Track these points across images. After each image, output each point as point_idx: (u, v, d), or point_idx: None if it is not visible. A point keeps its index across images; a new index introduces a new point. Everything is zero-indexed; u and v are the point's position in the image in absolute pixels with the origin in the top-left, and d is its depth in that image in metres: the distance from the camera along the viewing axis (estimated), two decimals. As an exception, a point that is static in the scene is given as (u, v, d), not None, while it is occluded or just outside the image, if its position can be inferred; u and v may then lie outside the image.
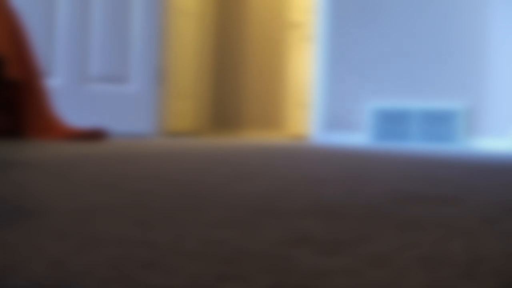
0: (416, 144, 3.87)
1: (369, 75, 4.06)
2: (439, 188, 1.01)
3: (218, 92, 5.67)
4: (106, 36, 3.99)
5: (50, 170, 1.13)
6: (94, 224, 0.57)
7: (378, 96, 4.04)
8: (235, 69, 5.61)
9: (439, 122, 3.84)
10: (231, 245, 0.49)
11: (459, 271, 0.43)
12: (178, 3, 5.44)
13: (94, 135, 2.97)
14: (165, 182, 0.97)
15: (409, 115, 3.92)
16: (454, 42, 3.84)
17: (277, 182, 1.03)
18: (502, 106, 3.67)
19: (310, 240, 0.52)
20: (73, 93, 3.88)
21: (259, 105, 5.74)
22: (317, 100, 4.23)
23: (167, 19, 4.41)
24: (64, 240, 0.49)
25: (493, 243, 0.54)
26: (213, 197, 0.80)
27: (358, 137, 4.09)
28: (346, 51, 4.14)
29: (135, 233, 0.53)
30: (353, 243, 0.52)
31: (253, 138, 4.95)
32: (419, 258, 0.46)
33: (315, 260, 0.45)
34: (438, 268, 0.43)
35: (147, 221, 0.59)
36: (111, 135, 3.80)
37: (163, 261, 0.43)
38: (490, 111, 3.72)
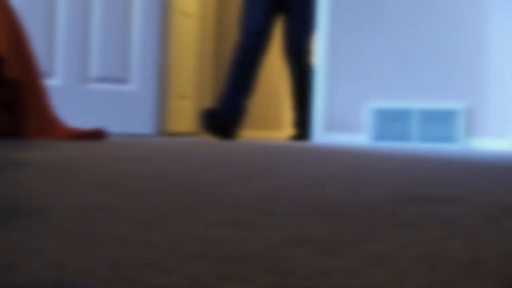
0: (416, 144, 3.87)
1: (369, 75, 4.06)
2: (439, 188, 1.01)
3: (218, 93, 5.67)
4: (106, 36, 3.99)
5: (50, 170, 1.13)
6: (94, 224, 0.57)
7: (378, 96, 4.05)
8: (235, 69, 5.60)
9: (439, 122, 3.84)
10: (231, 245, 0.49)
11: (459, 271, 0.43)
12: (179, 3, 5.43)
13: (94, 136, 2.97)
14: (165, 182, 0.97)
15: (409, 115, 3.92)
16: (454, 42, 3.84)
17: (277, 182, 1.03)
18: (502, 106, 3.67)
19: (310, 240, 0.52)
20: (73, 94, 3.89)
21: (259, 105, 5.74)
22: (317, 100, 4.24)
23: (167, 19, 4.41)
24: (64, 239, 0.49)
25: (493, 243, 0.54)
26: (213, 197, 0.80)
27: (358, 137, 4.09)
28: (346, 51, 4.14)
29: (135, 233, 0.53)
30: (353, 243, 0.52)
31: (253, 138, 4.95)
32: (419, 258, 0.46)
33: (315, 260, 0.45)
34: (438, 268, 0.43)
35: (147, 221, 0.60)
36: (111, 136, 3.80)
37: (163, 261, 0.43)
38: (490, 111, 3.72)
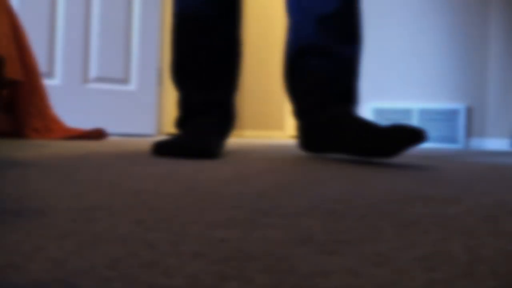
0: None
1: (369, 75, 4.06)
2: (439, 188, 1.01)
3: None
4: (106, 36, 3.99)
5: (50, 170, 1.13)
6: (94, 224, 0.57)
7: (378, 96, 4.04)
8: (235, 69, 5.59)
9: (439, 122, 3.84)
10: (231, 245, 0.49)
11: (459, 271, 0.43)
12: (178, 3, 5.39)
13: (94, 136, 2.97)
14: (165, 182, 0.97)
15: (409, 115, 3.92)
16: (454, 41, 3.84)
17: (277, 182, 1.03)
18: (502, 107, 3.67)
19: (310, 240, 0.52)
20: (73, 94, 3.88)
21: (259, 105, 5.73)
22: (317, 100, 4.23)
23: (167, 20, 4.41)
24: (64, 239, 0.49)
25: (493, 243, 0.54)
26: (213, 197, 0.80)
27: (358, 137, 4.08)
28: (346, 51, 4.14)
29: (135, 233, 0.53)
30: (353, 243, 0.52)
31: (253, 138, 4.95)
32: (419, 258, 0.46)
33: (315, 260, 0.45)
34: (438, 268, 0.43)
35: (147, 221, 0.60)
36: (111, 136, 3.80)
37: (163, 261, 0.43)
38: (490, 111, 3.72)
